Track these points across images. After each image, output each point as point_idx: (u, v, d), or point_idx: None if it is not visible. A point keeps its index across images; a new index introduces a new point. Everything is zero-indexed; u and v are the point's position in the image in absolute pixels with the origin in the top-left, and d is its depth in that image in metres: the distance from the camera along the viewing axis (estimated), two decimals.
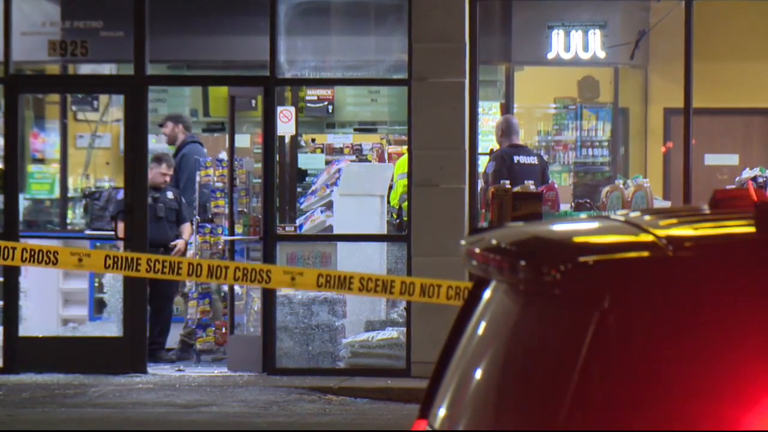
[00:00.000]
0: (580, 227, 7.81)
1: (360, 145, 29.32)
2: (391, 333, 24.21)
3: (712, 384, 5.06)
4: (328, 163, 28.37)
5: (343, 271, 23.61)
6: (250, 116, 27.49)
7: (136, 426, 21.57)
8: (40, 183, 26.50)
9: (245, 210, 25.89)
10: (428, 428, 6.45)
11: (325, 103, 29.13)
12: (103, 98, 28.14)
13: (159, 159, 26.15)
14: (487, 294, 6.49)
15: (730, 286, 5.44)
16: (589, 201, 25.08)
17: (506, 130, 25.48)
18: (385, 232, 26.06)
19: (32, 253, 22.79)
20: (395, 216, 26.25)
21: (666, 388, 5.20)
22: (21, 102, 24.71)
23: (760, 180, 23.71)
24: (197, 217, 26.35)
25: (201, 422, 21.86)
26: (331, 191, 26.34)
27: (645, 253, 5.91)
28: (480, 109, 26.07)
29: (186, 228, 25.61)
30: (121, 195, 24.81)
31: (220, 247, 25.50)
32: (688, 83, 24.94)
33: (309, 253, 25.35)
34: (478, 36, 25.02)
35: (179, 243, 25.19)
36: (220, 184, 26.27)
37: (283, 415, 22.02)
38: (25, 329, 24.27)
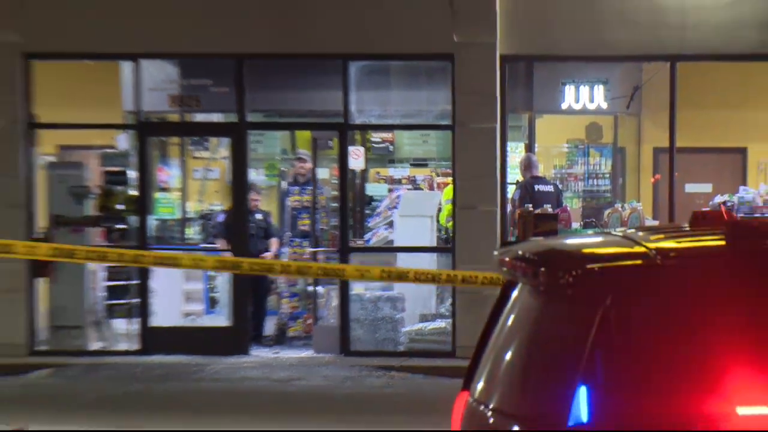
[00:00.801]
0: (587, 241, 8.67)
1: (414, 176, 29.50)
2: (440, 324, 24.97)
3: (691, 366, 5.97)
4: (389, 191, 28.70)
5: (401, 267, 24.49)
6: (328, 153, 27.06)
7: (243, 395, 22.19)
8: (165, 207, 26.97)
9: (325, 227, 26.50)
10: (470, 398, 7.48)
11: (387, 143, 29.66)
12: (213, 140, 28.47)
13: (250, 188, 26.89)
14: (514, 293, 7.34)
15: (706, 286, 6.29)
16: (594, 220, 25.38)
17: (528, 165, 25.99)
18: (434, 245, 26.37)
19: (159, 258, 23.34)
20: (443, 232, 26.56)
21: (656, 367, 6.05)
22: (149, 144, 25.14)
23: (729, 204, 23.77)
24: (289, 232, 26.87)
25: (293, 393, 22.28)
26: (392, 213, 26.73)
27: (638, 261, 6.65)
28: (508, 148, 26.08)
29: (273, 242, 26.25)
30: (220, 217, 25.86)
31: (305, 256, 25.91)
32: (672, 128, 25.27)
33: (375, 261, 25.15)
34: (507, 90, 25.08)
35: (267, 255, 25.83)
36: (306, 207, 26.91)
37: (355, 388, 22.38)
38: (156, 321, 24.87)
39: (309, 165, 26.55)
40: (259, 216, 26.18)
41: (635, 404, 6.35)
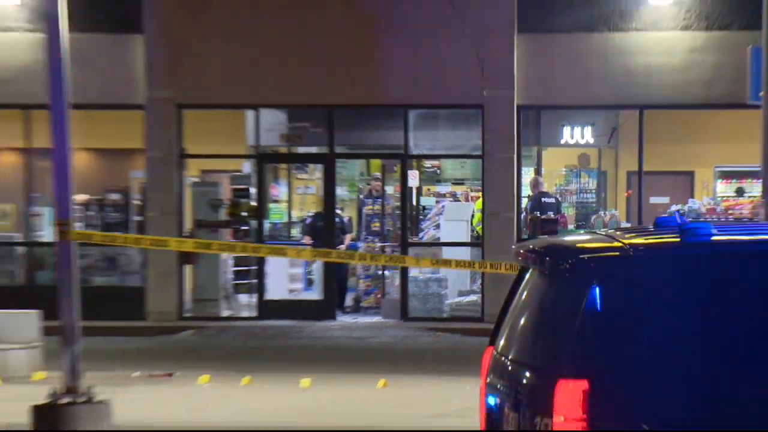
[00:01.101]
0: (579, 238, 8.58)
1: (455, 192, 28.88)
2: (473, 297, 25.28)
3: (652, 323, 6.11)
4: (437, 202, 28.43)
5: (445, 257, 24.33)
6: (393, 176, 27.01)
7: (332, 348, 22.65)
8: (276, 214, 27.10)
9: (390, 228, 27.01)
10: (494, 351, 7.56)
11: (435, 168, 29.24)
12: (311, 166, 28.42)
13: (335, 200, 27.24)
14: (527, 276, 7.40)
15: (664, 270, 6.35)
16: (583, 223, 26.21)
17: (536, 184, 26.09)
18: (469, 241, 26.41)
19: (271, 250, 24.14)
20: (475, 232, 26.53)
21: (628, 326, 6.13)
22: (265, 169, 25.46)
23: (681, 212, 22.93)
24: (364, 232, 27.42)
25: (367, 346, 23.02)
26: (439, 218, 27.15)
27: (616, 253, 6.59)
28: (522, 172, 26.12)
29: (347, 237, 26.43)
30: (308, 221, 26.33)
31: (376, 249, 26.42)
32: (641, 157, 25.59)
33: (426, 253, 25.40)
34: (521, 130, 25.20)
35: (341, 247, 25.80)
36: (377, 214, 27.60)
37: (412, 344, 23.06)
38: (269, 295, 25.05)
39: (380, 183, 27.51)
40: (337, 219, 26.35)
41: (614, 353, 6.50)
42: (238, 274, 26.40)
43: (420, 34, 24.24)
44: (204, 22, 24.90)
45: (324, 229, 25.40)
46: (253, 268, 25.25)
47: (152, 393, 16.27)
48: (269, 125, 25.80)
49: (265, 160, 25.53)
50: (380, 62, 24.45)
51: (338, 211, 26.88)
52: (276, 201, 27.49)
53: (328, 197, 25.36)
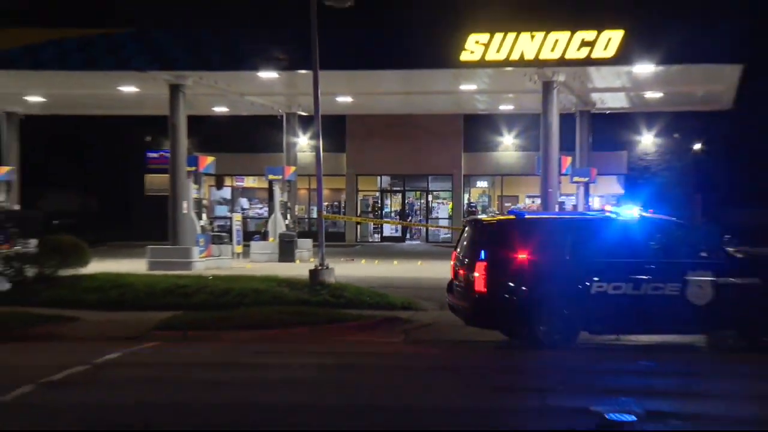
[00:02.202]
0: (483, 217, 24.03)
1: (443, 202, 45.79)
2: (449, 235, 40.71)
3: (517, 256, 14.46)
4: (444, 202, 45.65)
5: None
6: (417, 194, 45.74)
7: (404, 251, 39.28)
8: (387, 212, 44.39)
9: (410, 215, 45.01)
10: (457, 252, 16.13)
11: (437, 194, 46.54)
12: (395, 197, 46.55)
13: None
14: (467, 228, 16.15)
15: (509, 228, 15.28)
16: (484, 214, 39.25)
17: (468, 203, 41.23)
18: (448, 219, 44.32)
19: (382, 221, 41.06)
20: (450, 215, 44.57)
21: (498, 246, 14.71)
22: (386, 196, 43.40)
23: (515, 208, 28.57)
24: (411, 217, 43.69)
25: (415, 250, 37.61)
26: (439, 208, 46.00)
27: (494, 221, 16.71)
28: (464, 198, 45.39)
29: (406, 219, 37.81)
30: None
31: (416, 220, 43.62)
32: (502, 190, 45.53)
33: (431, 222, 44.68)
34: (465, 184, 44.95)
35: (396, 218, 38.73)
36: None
37: (431, 250, 38.62)
38: (385, 234, 45.36)
39: (404, 197, 42.50)
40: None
41: (495, 254, 14.52)
42: (375, 227, 44.51)
43: (433, 147, 43.40)
44: (366, 141, 43.99)
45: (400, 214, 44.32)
46: (376, 227, 43.54)
47: (345, 266, 27.70)
48: (389, 182, 45.43)
49: (385, 194, 45.47)
50: (421, 154, 43.57)
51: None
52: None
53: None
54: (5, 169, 32.92)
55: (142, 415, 9.83)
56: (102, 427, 9.39)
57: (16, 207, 30.92)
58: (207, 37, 26.07)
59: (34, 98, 31.71)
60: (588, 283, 14.29)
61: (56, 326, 16.67)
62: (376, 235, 46.61)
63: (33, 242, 20.69)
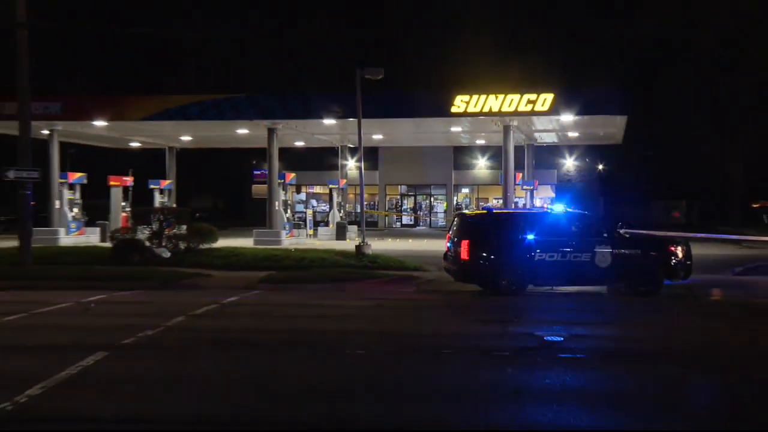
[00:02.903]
0: (467, 211, 19.37)
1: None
2: (446, 223, 41.21)
3: (488, 237, 13.87)
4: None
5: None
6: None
7: (415, 233, 35.45)
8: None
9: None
10: (450, 234, 14.90)
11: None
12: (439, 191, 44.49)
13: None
14: (456, 219, 14.86)
15: (483, 221, 14.30)
16: (466, 211, 31.96)
17: (456, 202, 39.79)
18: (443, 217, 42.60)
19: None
20: (445, 211, 41.35)
21: (477, 231, 13.98)
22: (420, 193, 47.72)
23: (487, 206, 30.09)
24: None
25: (422, 233, 34.60)
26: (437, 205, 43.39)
27: (474, 214, 15.06)
28: (454, 198, 42.36)
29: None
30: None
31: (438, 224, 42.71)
32: (478, 198, 43.58)
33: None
34: (454, 189, 41.99)
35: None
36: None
37: (434, 232, 34.97)
38: (404, 222, 43.69)
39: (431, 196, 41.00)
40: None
41: (477, 237, 13.68)
42: (396, 218, 41.84)
43: (433, 167, 41.01)
44: (392, 163, 41.87)
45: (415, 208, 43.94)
46: (397, 218, 41.56)
47: (378, 243, 25.50)
48: (405, 189, 43.18)
49: (403, 197, 43.47)
50: (426, 171, 41.81)
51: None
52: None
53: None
54: (167, 181, 33.30)
55: (248, 334, 10.03)
56: (225, 339, 9.60)
57: (173, 205, 31.16)
58: (291, 98, 26.03)
59: (185, 137, 31.93)
60: (533, 254, 14.17)
61: (197, 280, 16.73)
62: (397, 224, 44.75)
63: (183, 227, 20.99)
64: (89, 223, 29.19)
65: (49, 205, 27.00)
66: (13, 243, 19.16)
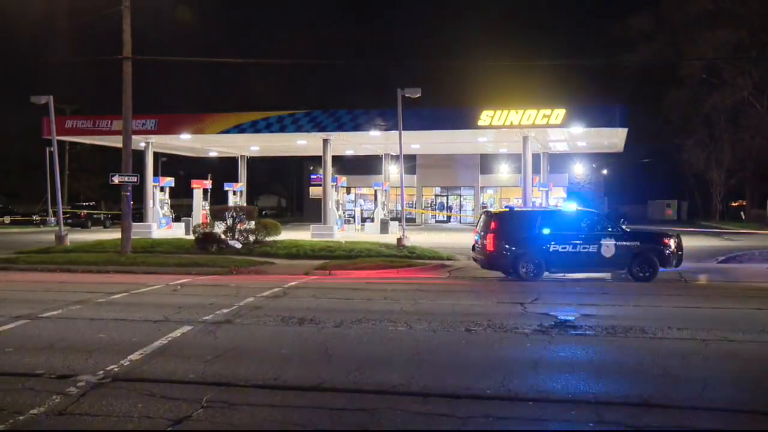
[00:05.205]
0: (492, 209, 15.23)
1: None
2: (473, 220, 35.76)
3: (510, 231, 13.48)
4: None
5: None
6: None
7: (438, 227, 33.95)
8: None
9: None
10: (477, 229, 14.16)
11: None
12: (467, 191, 42.49)
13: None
14: (482, 216, 14.28)
15: (507, 217, 13.77)
16: (491, 210, 21.10)
17: (482, 202, 37.91)
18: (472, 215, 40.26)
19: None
20: (474, 210, 39.98)
21: (502, 227, 13.56)
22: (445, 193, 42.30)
23: (508, 205, 24.84)
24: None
25: (447, 228, 33.28)
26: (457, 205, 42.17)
27: (499, 212, 14.10)
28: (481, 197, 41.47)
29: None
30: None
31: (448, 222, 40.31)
32: (489, 199, 41.48)
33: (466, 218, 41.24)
34: (480, 192, 40.55)
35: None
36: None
37: (460, 227, 33.39)
38: (438, 219, 41.09)
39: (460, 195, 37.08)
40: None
41: (501, 231, 13.11)
42: (432, 215, 41.29)
43: (463, 171, 40.33)
44: (427, 168, 40.44)
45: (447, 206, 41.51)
46: (432, 215, 42.55)
47: (416, 236, 25.52)
48: (439, 191, 42.50)
49: (437, 197, 42.71)
50: (456, 175, 41.14)
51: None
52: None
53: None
54: (239, 184, 33.09)
55: (308, 312, 9.92)
56: (288, 317, 9.52)
57: (244, 204, 30.43)
58: (342, 114, 25.55)
59: (254, 147, 32.05)
60: (549, 245, 14.03)
61: (263, 267, 16.57)
62: (432, 220, 43.95)
63: (252, 223, 20.85)
64: (176, 219, 29.97)
65: (144, 204, 27.59)
66: (117, 235, 20.06)
